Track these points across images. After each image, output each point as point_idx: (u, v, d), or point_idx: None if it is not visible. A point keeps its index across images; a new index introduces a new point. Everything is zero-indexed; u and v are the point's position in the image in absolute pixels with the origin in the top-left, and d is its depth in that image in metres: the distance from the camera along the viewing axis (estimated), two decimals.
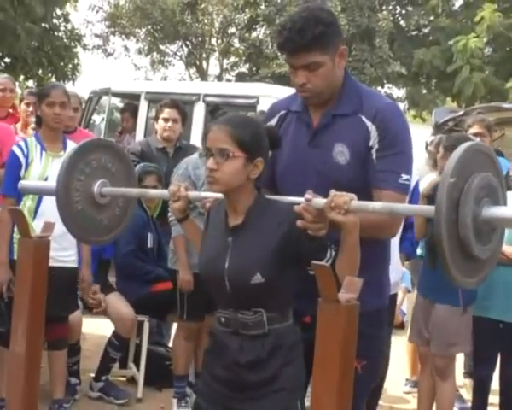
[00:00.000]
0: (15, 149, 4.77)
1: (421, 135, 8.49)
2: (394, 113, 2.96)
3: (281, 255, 2.62)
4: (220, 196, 2.74)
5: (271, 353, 2.68)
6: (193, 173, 5.18)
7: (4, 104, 6.18)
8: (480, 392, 5.17)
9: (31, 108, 6.60)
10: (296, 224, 2.52)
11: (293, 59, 2.88)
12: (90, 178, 2.99)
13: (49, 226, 2.91)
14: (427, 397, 5.02)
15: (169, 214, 5.33)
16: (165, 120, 6.18)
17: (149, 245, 5.70)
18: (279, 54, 21.56)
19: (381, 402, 5.42)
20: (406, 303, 7.77)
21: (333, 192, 2.40)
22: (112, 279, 5.89)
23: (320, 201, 2.44)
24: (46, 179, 4.73)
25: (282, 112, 3.12)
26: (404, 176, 2.85)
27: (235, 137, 2.61)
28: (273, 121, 3.12)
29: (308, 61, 2.84)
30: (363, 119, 2.88)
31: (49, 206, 4.68)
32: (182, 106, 6.39)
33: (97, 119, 12.89)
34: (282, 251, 2.61)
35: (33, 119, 6.43)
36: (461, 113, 11.16)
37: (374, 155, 2.85)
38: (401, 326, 7.29)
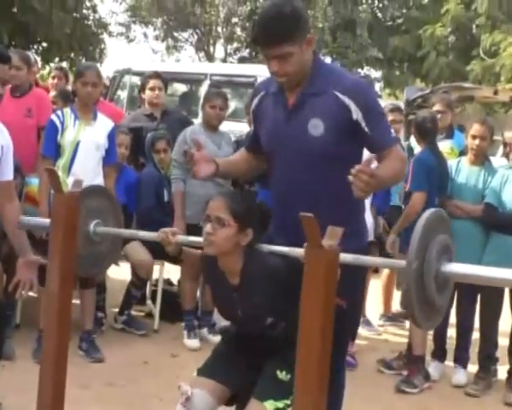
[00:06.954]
0: (53, 117, 4.78)
1: None
2: (364, 85, 2.91)
3: (277, 299, 2.66)
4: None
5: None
6: (189, 136, 5.28)
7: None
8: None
9: (56, 80, 6.63)
10: (283, 277, 2.61)
11: (265, 51, 2.79)
12: (86, 217, 2.92)
13: (78, 183, 2.88)
14: None
15: (171, 172, 5.43)
16: (152, 89, 6.11)
17: (165, 199, 5.67)
18: None
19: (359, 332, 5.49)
20: None
21: None
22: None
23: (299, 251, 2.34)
24: (78, 143, 4.74)
25: (263, 92, 3.02)
26: (392, 130, 3.00)
27: (231, 209, 2.64)
28: (255, 100, 3.04)
29: (278, 53, 2.74)
30: (338, 95, 2.78)
31: (81, 165, 4.71)
32: (163, 75, 6.32)
33: (120, 94, 12.78)
34: (277, 297, 2.65)
35: (53, 92, 6.40)
36: (428, 91, 11.12)
37: (365, 128, 2.78)
38: (376, 271, 7.32)
